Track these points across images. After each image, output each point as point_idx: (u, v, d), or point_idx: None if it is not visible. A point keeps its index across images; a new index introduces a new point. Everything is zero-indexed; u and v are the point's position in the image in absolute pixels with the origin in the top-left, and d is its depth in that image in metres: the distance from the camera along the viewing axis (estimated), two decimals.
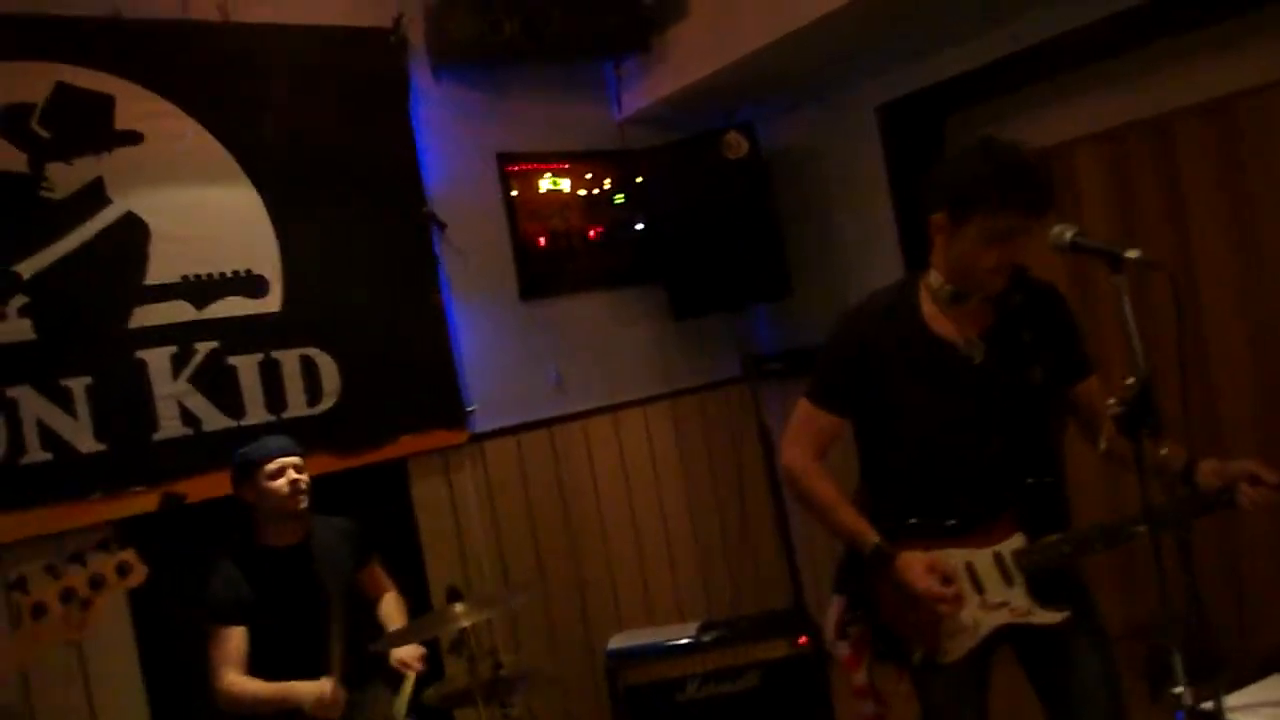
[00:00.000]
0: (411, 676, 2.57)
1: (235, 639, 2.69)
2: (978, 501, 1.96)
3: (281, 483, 2.78)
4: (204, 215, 3.36)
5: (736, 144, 4.09)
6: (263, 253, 3.46)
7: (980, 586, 1.95)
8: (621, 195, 4.37)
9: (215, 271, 3.37)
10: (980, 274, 1.91)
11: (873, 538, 1.97)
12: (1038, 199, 1.83)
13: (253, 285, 3.44)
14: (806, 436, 2.09)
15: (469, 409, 3.88)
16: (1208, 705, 1.64)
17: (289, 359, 3.48)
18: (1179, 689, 1.65)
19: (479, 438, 3.91)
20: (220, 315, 3.35)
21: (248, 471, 2.83)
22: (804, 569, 4.14)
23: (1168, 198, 3.55)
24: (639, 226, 4.38)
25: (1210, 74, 3.36)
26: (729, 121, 4.16)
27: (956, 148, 4.05)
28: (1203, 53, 3.38)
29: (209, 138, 3.39)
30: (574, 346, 4.22)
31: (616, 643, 3.32)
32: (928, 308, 2.02)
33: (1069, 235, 1.74)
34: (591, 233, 4.28)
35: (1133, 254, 1.63)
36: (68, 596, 1.86)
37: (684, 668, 3.20)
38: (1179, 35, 3.39)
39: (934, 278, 2.01)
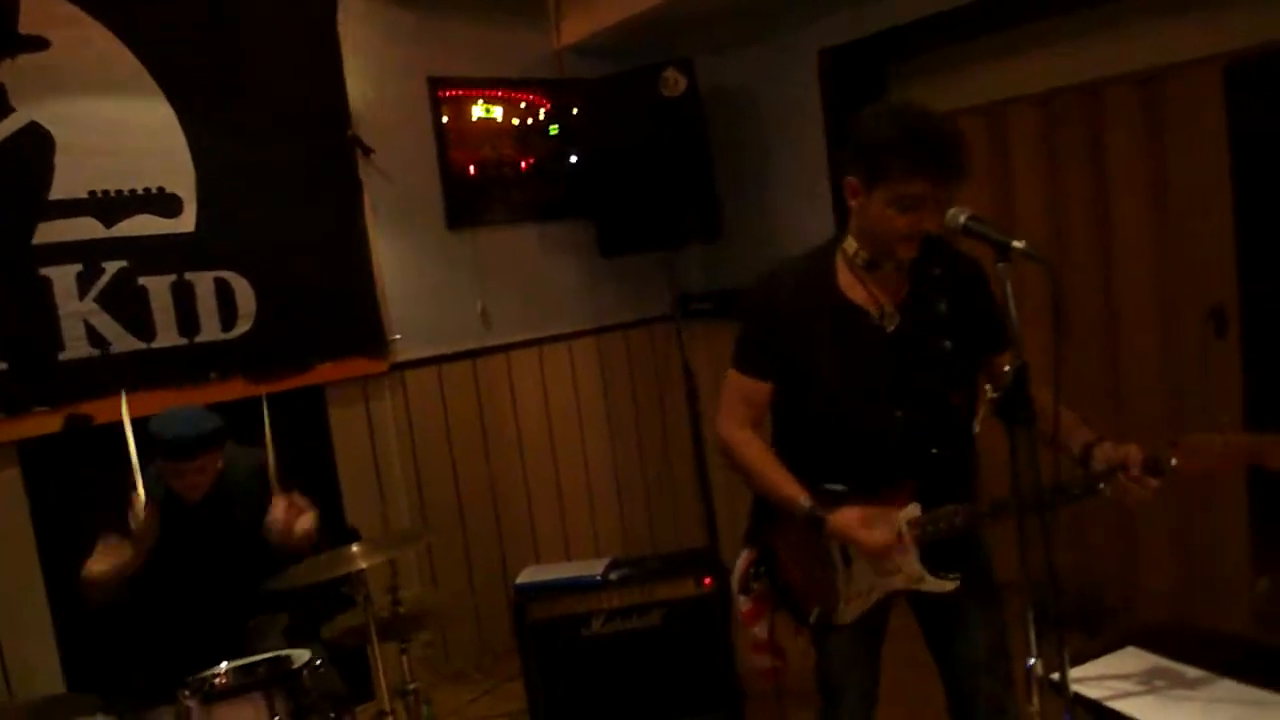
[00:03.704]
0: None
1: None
2: (878, 468, 1.97)
3: (179, 482, 2.68)
4: (114, 129, 3.23)
5: (674, 81, 4.03)
6: (176, 171, 3.35)
7: None
8: (556, 126, 4.29)
9: (125, 188, 3.26)
10: (890, 240, 1.90)
11: (805, 502, 1.97)
12: (947, 167, 1.80)
13: (165, 204, 3.34)
14: (737, 406, 2.10)
15: (391, 338, 3.85)
16: (1054, 676, 1.71)
17: (203, 281, 3.40)
18: (1031, 660, 1.74)
19: (400, 367, 3.89)
20: (130, 234, 3.26)
21: (153, 450, 2.68)
22: (720, 510, 4.23)
23: (1092, 163, 3.59)
24: (572, 159, 4.31)
25: (1141, 45, 3.37)
26: (670, 57, 4.09)
27: (896, 94, 4.14)
28: (1135, 23, 3.39)
29: (120, 46, 3.24)
30: (500, 278, 4.18)
31: (525, 577, 3.36)
32: (843, 275, 2.01)
33: (962, 219, 1.74)
34: (523, 163, 4.21)
35: (1019, 245, 1.63)
36: None
37: (589, 604, 3.24)
38: (1113, 2, 3.39)
39: (850, 243, 2.00)
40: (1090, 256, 3.64)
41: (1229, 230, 3.30)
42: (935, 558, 1.98)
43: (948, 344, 1.96)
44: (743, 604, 2.19)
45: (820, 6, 3.94)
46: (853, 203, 1.95)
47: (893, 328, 1.98)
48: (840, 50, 4.07)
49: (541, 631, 3.26)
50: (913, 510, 1.97)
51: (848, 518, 1.93)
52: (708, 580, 3.27)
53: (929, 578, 1.98)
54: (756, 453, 2.07)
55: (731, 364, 2.11)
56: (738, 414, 2.09)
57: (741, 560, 2.19)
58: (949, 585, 1.98)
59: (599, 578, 3.28)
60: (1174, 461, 1.81)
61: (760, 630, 2.20)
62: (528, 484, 4.29)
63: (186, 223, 3.38)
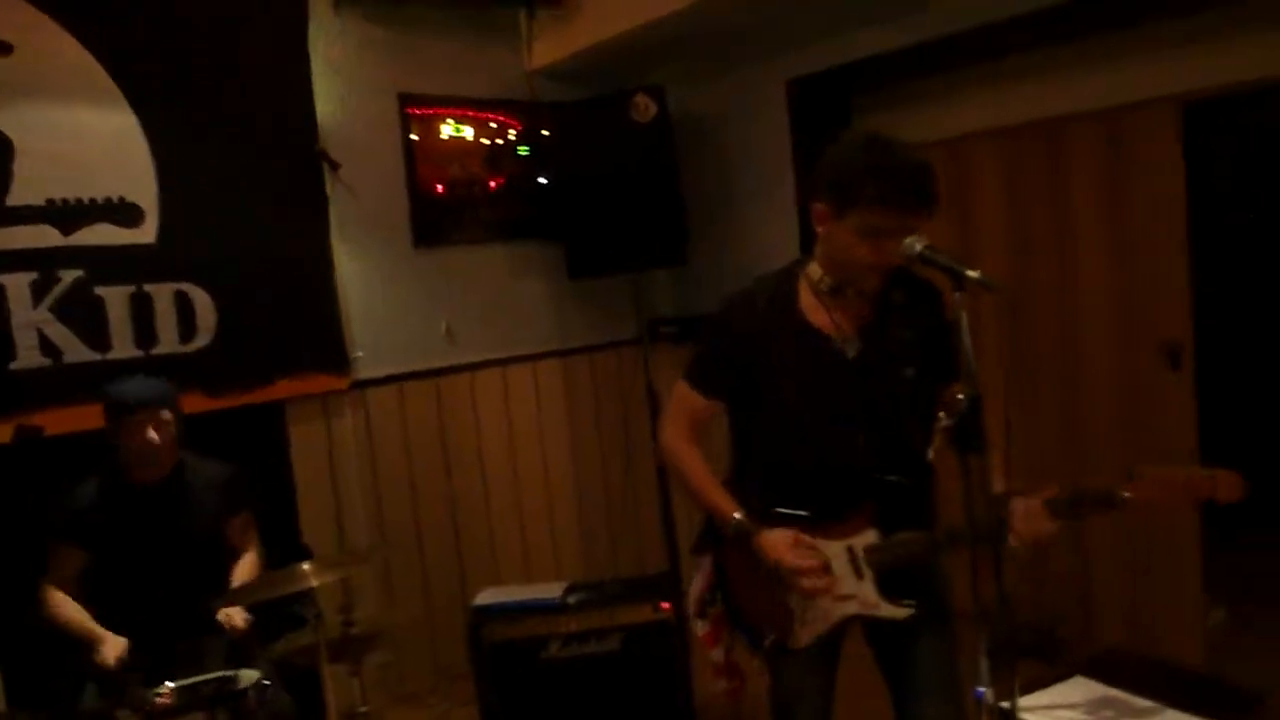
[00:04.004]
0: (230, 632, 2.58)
1: (66, 558, 2.71)
2: (837, 494, 1.97)
3: (138, 438, 2.71)
4: (76, 136, 3.19)
5: (645, 106, 4.05)
6: (139, 180, 3.31)
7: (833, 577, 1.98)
8: (526, 148, 4.30)
9: (85, 197, 3.21)
10: (855, 268, 1.90)
11: (735, 514, 2.00)
12: (916, 199, 1.81)
13: (126, 214, 3.29)
14: (682, 416, 2.13)
15: (354, 355, 3.82)
16: (1005, 704, 1.72)
17: (162, 293, 3.35)
18: (982, 688, 1.75)
19: (362, 384, 3.85)
20: (89, 243, 3.20)
21: (110, 413, 2.76)
22: (682, 534, 4.21)
23: (1054, 198, 3.66)
24: (542, 181, 4.32)
25: (1101, 84, 3.45)
26: (641, 84, 4.12)
27: (861, 126, 4.19)
28: (1095, 62, 3.47)
29: (86, 55, 3.20)
30: (466, 298, 4.17)
31: (482, 599, 3.33)
32: (806, 299, 2.01)
33: (919, 247, 1.74)
34: (492, 184, 4.21)
35: (974, 274, 1.64)
36: None
37: (547, 627, 3.21)
38: (1075, 42, 3.47)
39: (814, 269, 2.00)
40: (1050, 289, 3.69)
41: (1184, 266, 3.37)
42: (891, 584, 1.98)
43: (909, 371, 1.96)
44: (700, 628, 2.18)
45: (789, 38, 3.99)
46: (820, 228, 1.95)
47: (854, 353, 1.98)
48: (808, 81, 4.12)
49: (498, 653, 3.22)
50: (870, 536, 1.97)
51: (778, 537, 1.95)
52: (666, 605, 3.25)
53: (884, 604, 1.97)
54: (695, 464, 2.10)
55: (684, 375, 2.13)
56: (681, 424, 2.13)
57: (696, 584, 2.18)
58: (904, 612, 1.97)
59: (557, 601, 3.26)
60: (1127, 494, 1.82)
61: (718, 654, 2.18)
62: (489, 505, 4.25)
63: (147, 233, 3.34)
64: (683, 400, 2.12)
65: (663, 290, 4.74)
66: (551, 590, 3.34)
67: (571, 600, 3.28)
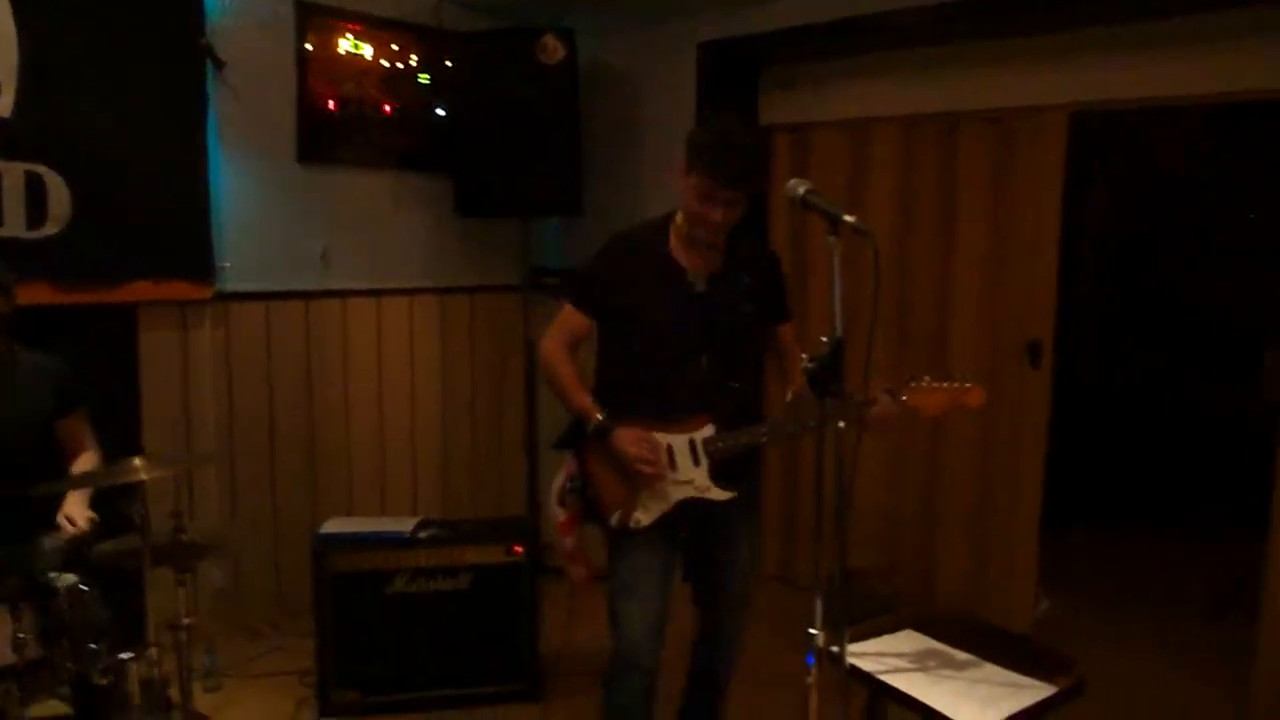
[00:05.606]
0: (70, 532, 2.40)
1: None
2: (685, 398, 2.38)
3: None
4: None
5: (553, 48, 3.98)
6: None
7: (675, 465, 2.36)
8: (426, 76, 4.17)
9: None
10: (694, 220, 2.32)
11: (598, 415, 2.37)
12: (731, 176, 2.24)
13: None
14: (563, 330, 2.48)
15: (220, 265, 3.64)
16: (835, 649, 1.76)
17: (12, 172, 3.12)
18: (814, 631, 1.79)
19: (225, 297, 3.68)
20: None
21: None
22: (544, 483, 4.18)
23: (944, 190, 3.75)
24: (439, 112, 4.19)
25: (994, 85, 3.55)
26: (552, 24, 4.03)
27: (768, 98, 4.21)
28: (990, 64, 3.57)
29: None
30: (347, 221, 4.02)
31: (329, 527, 3.23)
32: (674, 240, 2.42)
33: (801, 190, 1.84)
34: (387, 107, 4.06)
35: (849, 219, 1.70)
36: None
37: (395, 561, 3.14)
38: (977, 39, 3.55)
39: (679, 216, 2.41)
40: (928, 279, 3.79)
41: (1053, 269, 3.50)
42: (720, 474, 2.38)
43: (747, 307, 2.41)
44: (559, 514, 2.49)
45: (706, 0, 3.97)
46: (679, 183, 2.35)
47: (704, 289, 2.39)
48: (720, 45, 4.10)
49: (341, 584, 3.13)
50: (708, 430, 2.37)
51: (629, 433, 2.32)
52: (518, 548, 3.23)
53: (714, 488, 2.38)
54: (568, 370, 2.46)
55: (567, 296, 2.50)
56: (561, 336, 2.48)
57: (560, 476, 2.50)
58: (727, 495, 2.39)
59: (407, 535, 3.19)
60: (904, 397, 2.30)
61: (570, 541, 2.50)
62: (349, 435, 4.13)
63: (2, 107, 3.09)
64: (567, 319, 2.48)
65: (551, 239, 4.68)
66: (402, 524, 3.27)
67: (423, 535, 3.22)
